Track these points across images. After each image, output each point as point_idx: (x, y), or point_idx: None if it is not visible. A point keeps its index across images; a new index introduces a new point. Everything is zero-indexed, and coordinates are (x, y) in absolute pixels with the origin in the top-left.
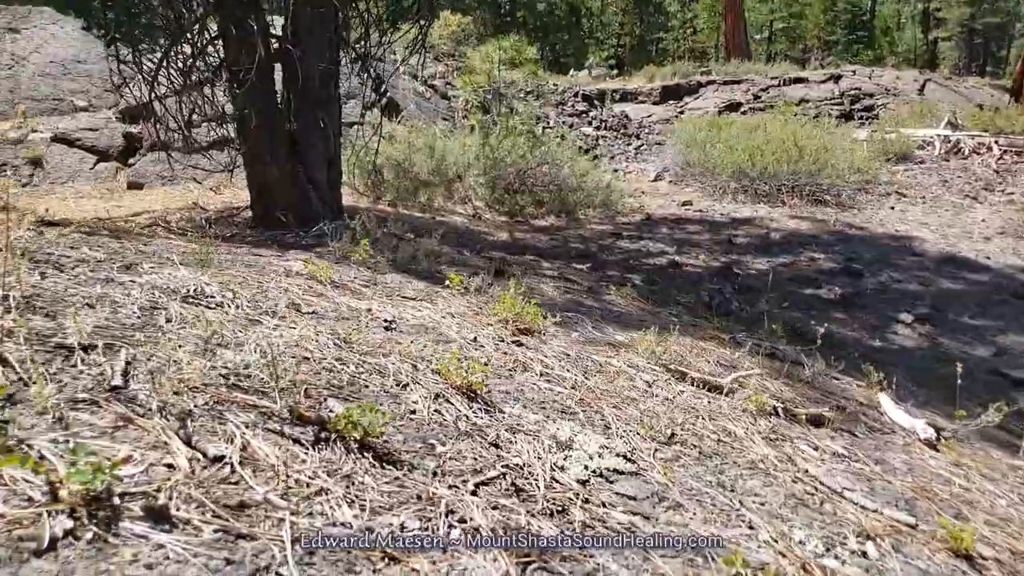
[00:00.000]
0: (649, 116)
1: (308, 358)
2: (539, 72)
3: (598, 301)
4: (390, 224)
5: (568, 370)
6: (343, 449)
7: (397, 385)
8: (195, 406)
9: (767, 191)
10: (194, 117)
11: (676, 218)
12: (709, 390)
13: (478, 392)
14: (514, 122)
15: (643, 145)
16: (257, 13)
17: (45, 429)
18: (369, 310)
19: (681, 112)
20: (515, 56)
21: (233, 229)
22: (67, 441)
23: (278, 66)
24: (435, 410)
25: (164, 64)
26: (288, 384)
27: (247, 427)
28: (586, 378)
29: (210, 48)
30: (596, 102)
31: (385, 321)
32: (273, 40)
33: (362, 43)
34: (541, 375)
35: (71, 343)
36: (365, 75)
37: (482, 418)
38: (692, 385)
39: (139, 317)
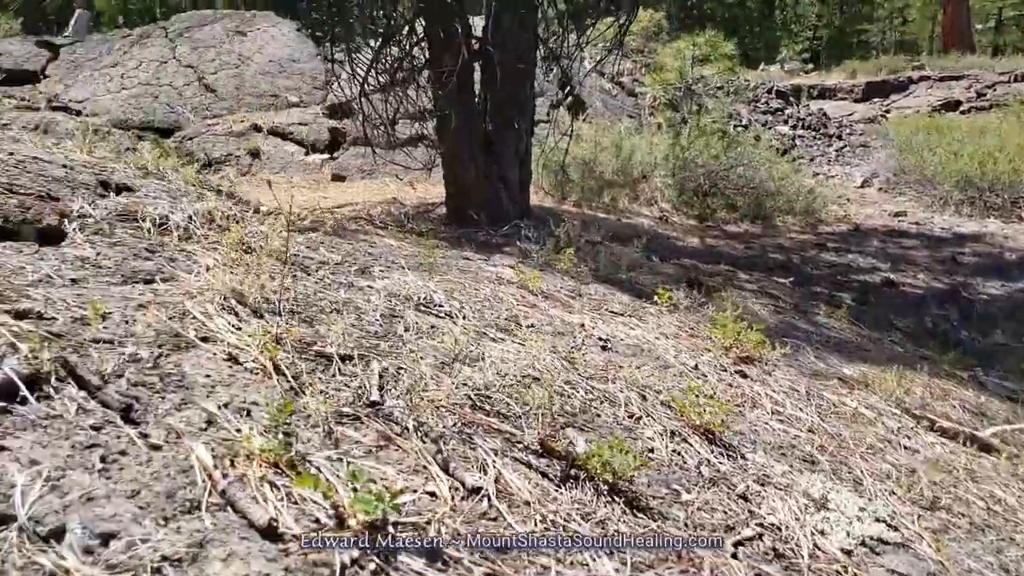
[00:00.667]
0: (850, 115)
1: (538, 379)
2: (735, 68)
3: (811, 323)
4: (586, 228)
5: (801, 409)
6: (592, 490)
7: (629, 417)
8: (445, 428)
9: (999, 204)
10: (395, 110)
11: (888, 230)
12: (964, 443)
13: (716, 433)
14: (706, 121)
15: (845, 147)
16: (461, 17)
17: (319, 444)
18: (582, 325)
19: (887, 111)
20: (710, 52)
21: (428, 225)
22: (340, 459)
23: (476, 66)
24: (674, 450)
25: (374, 64)
26: (525, 409)
27: (495, 455)
28: (822, 420)
29: (412, 49)
30: (791, 99)
31: (600, 339)
32: (474, 41)
33: (558, 42)
34: (773, 414)
35: (330, 352)
36: (554, 73)
37: (724, 464)
38: (942, 436)
39: (381, 325)
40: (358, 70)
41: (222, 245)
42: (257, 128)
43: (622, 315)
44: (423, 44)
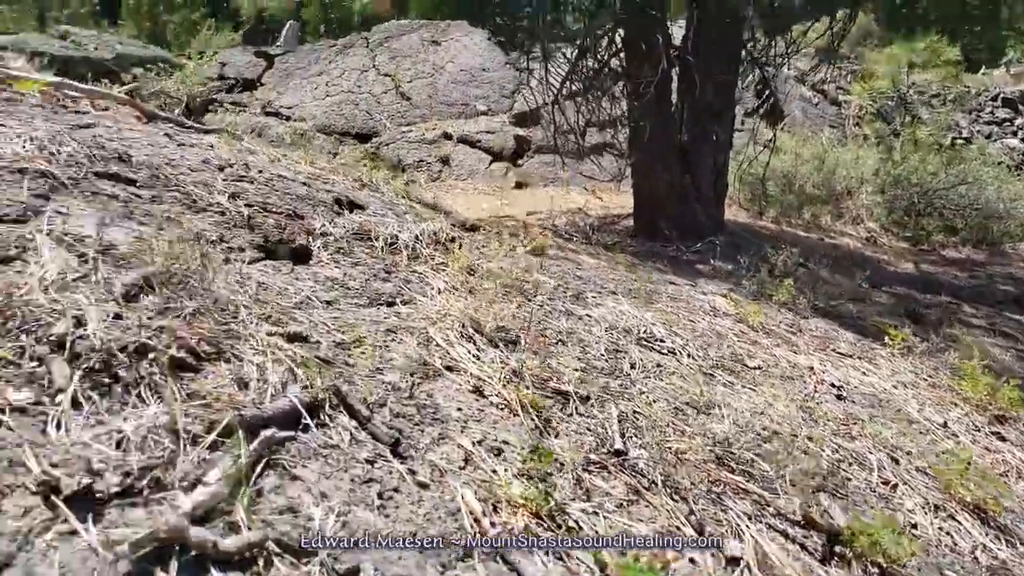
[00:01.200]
0: None
1: (778, 432)
2: (959, 75)
3: None
4: (793, 251)
5: None
6: (861, 573)
7: (884, 484)
8: (691, 483)
9: None
10: (587, 120)
11: None
12: None
13: (989, 512)
14: (921, 133)
15: None
16: (663, 27)
17: (570, 494)
18: (811, 368)
19: None
20: (929, 59)
21: (614, 237)
22: (595, 513)
23: (674, 76)
24: (940, 528)
25: (570, 75)
26: (774, 469)
27: (748, 519)
28: None
29: (610, 60)
30: (1021, 107)
31: (832, 386)
32: (673, 51)
33: (762, 50)
34: None
35: (566, 390)
36: (749, 80)
37: (1003, 551)
38: None
39: (606, 360)
40: (551, 79)
41: (449, 267)
42: (447, 135)
43: (850, 356)
44: (620, 55)
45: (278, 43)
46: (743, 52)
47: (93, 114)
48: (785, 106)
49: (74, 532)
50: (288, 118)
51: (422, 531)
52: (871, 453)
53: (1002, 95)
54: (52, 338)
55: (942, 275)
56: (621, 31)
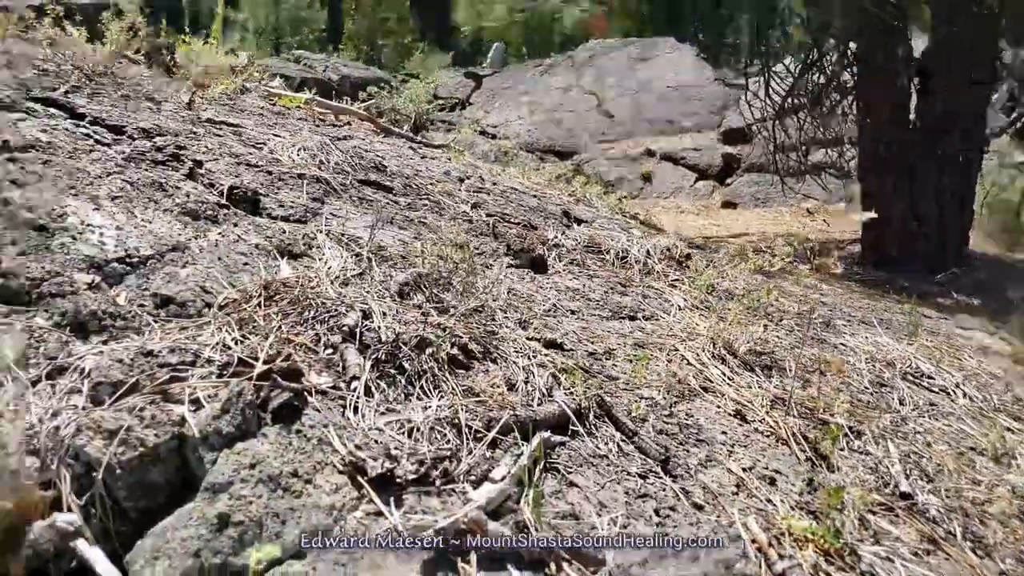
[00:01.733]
0: None
1: None
2: None
3: None
4: None
5: None
6: None
7: None
8: (997, 540)
9: None
10: (810, 139)
11: None
12: None
13: None
14: None
15: None
16: (903, 37)
17: (858, 535)
18: None
19: None
20: None
21: (840, 264)
22: (890, 559)
23: (912, 92)
24: None
25: (794, 89)
26: None
27: None
28: None
29: (841, 73)
30: None
31: None
32: (913, 64)
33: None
34: None
35: (836, 422)
36: (998, 96)
37: None
38: None
39: (871, 394)
40: (771, 93)
41: (685, 284)
42: (650, 152)
43: None
44: (853, 68)
45: (484, 63)
46: (996, 64)
47: (346, 128)
48: None
49: (379, 513)
50: (494, 136)
51: (704, 553)
52: None
53: None
54: (344, 328)
55: None
56: (854, 44)
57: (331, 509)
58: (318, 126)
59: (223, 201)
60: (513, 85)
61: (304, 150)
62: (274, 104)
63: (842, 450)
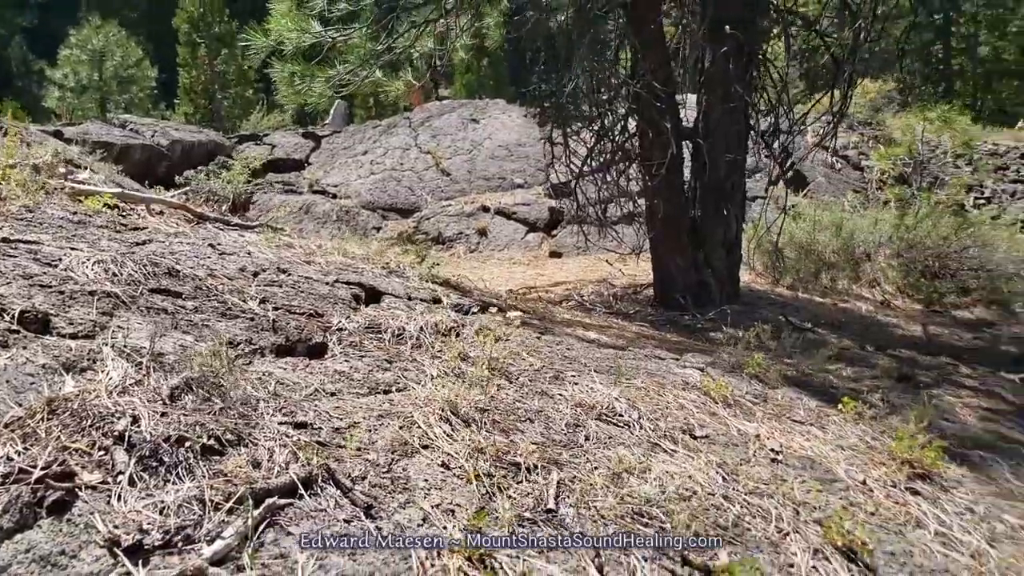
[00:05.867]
0: None
1: (697, 492)
2: (971, 143)
3: None
4: (794, 315)
5: (969, 532)
6: None
7: (778, 533)
8: (607, 535)
9: None
10: (608, 196)
11: None
12: None
13: (858, 553)
14: (937, 197)
15: None
16: (673, 113)
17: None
18: (758, 436)
19: None
20: (941, 127)
21: (636, 307)
22: (518, 557)
23: (687, 155)
24: (813, 567)
25: (589, 156)
26: (680, 521)
27: (646, 562)
28: (991, 546)
29: (625, 143)
30: None
31: (772, 451)
32: (684, 133)
33: (771, 120)
34: (936, 535)
35: (519, 461)
36: (774, 148)
37: None
38: None
39: (565, 434)
40: (574, 159)
41: (446, 355)
42: (485, 208)
43: (803, 423)
44: (634, 140)
45: (325, 122)
46: (751, 132)
47: (150, 227)
48: (808, 173)
49: (129, 574)
50: (334, 195)
51: (379, 571)
52: (777, 508)
53: None
54: (115, 433)
55: (948, 337)
56: (633, 119)
57: (91, 575)
58: (119, 231)
59: (14, 327)
60: (352, 145)
61: (99, 263)
62: (77, 209)
63: (518, 482)
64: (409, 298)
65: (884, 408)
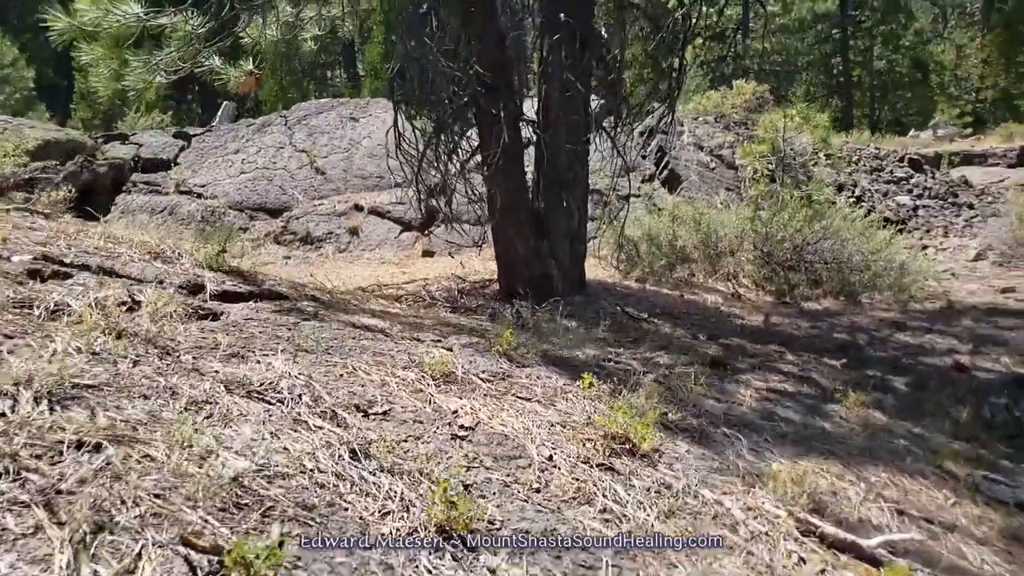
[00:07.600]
0: (1001, 182)
1: (302, 471)
2: (828, 139)
3: (806, 412)
4: (628, 304)
5: (646, 509)
6: None
7: (379, 512)
8: (124, 520)
9: None
10: (456, 193)
11: (988, 308)
12: (841, 553)
13: (455, 531)
14: (793, 192)
15: (976, 217)
16: (507, 101)
17: None
18: (455, 412)
19: None
20: (801, 124)
21: (480, 300)
22: None
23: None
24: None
25: (427, 147)
26: (247, 504)
27: (153, 546)
28: (664, 520)
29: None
30: (926, 167)
31: (462, 427)
32: (525, 124)
33: (611, 123)
34: (601, 511)
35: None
36: (650, 148)
37: (439, 569)
38: (822, 544)
39: (175, 411)
40: (428, 152)
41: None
42: (359, 207)
43: (529, 400)
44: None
45: (213, 123)
46: (591, 125)
47: None
48: (683, 172)
49: None
50: (200, 195)
51: None
52: (398, 485)
53: (909, 156)
54: None
55: (787, 326)
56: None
57: None
58: None
59: None
60: (224, 144)
61: None
62: None
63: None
64: (161, 283)
65: (634, 382)
